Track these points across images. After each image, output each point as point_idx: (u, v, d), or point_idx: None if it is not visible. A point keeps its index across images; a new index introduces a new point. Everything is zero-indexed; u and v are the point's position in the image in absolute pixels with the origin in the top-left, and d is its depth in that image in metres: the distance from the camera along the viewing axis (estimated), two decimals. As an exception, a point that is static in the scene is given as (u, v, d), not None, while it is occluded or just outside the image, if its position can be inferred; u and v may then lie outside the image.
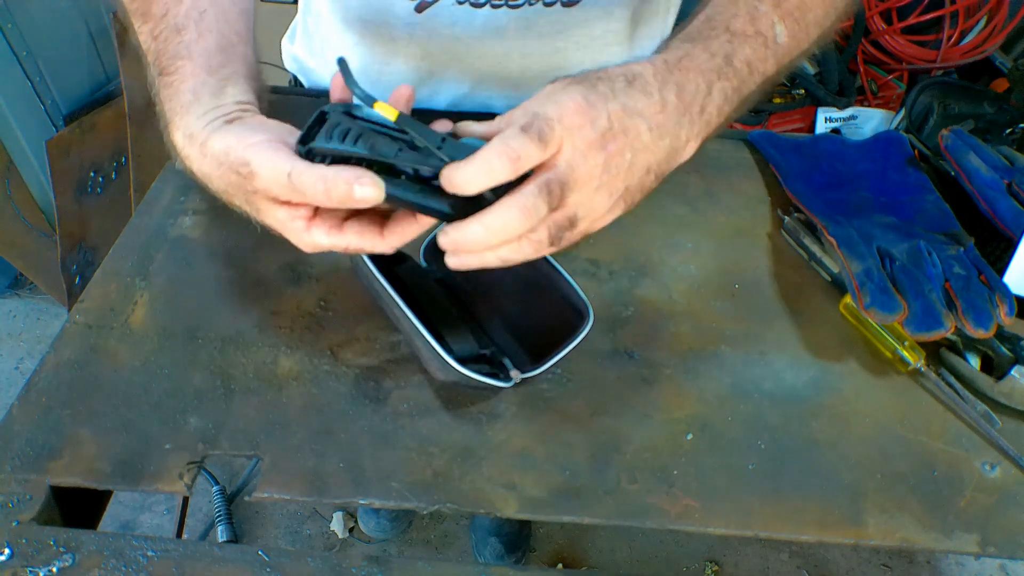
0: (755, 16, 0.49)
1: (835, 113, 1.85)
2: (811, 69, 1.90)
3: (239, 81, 0.48)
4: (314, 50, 0.81)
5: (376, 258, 0.54)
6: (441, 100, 0.78)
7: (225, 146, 0.43)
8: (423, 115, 0.79)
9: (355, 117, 0.44)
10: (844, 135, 1.54)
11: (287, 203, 0.42)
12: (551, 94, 0.41)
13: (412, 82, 0.75)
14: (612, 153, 0.41)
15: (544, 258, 0.57)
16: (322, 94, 0.82)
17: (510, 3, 0.66)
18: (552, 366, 0.54)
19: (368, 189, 0.39)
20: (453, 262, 0.41)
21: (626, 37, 0.73)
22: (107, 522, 0.82)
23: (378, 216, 0.45)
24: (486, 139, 0.41)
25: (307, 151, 0.42)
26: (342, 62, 0.43)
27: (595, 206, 0.42)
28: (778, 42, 0.49)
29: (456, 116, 0.79)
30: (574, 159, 0.40)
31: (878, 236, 0.65)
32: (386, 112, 0.41)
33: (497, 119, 0.43)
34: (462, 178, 0.38)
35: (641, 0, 0.71)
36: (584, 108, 0.40)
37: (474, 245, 0.40)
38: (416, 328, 0.50)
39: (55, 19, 1.38)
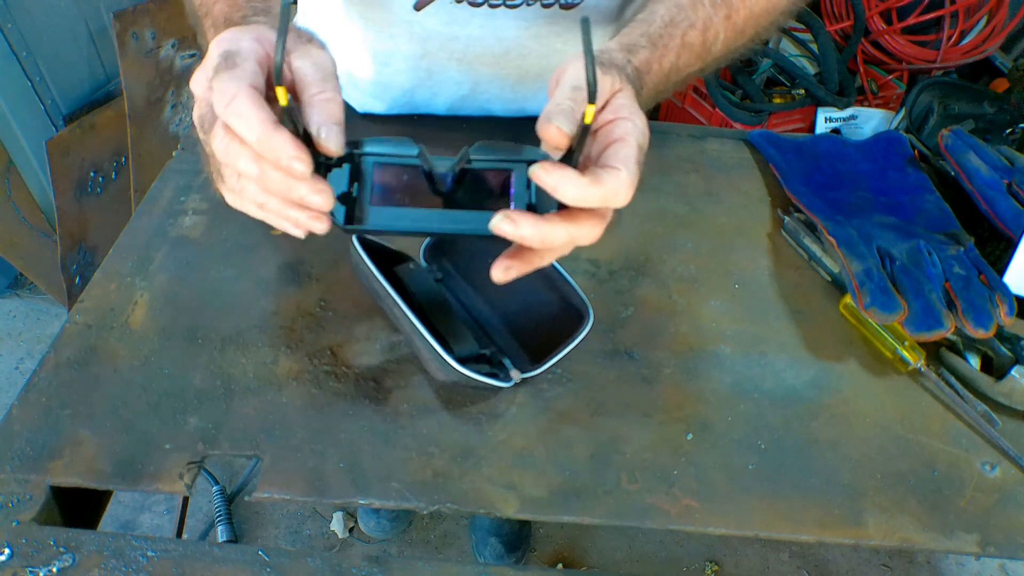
0: (707, 27, 0.52)
1: (835, 113, 1.85)
2: (811, 69, 1.90)
3: None
4: None
5: (376, 258, 0.54)
6: (440, 103, 0.78)
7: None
8: (424, 119, 0.80)
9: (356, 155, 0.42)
10: (844, 135, 1.54)
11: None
12: (643, 128, 0.42)
13: (411, 83, 0.75)
14: None
15: None
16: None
17: (508, 3, 0.66)
18: (552, 366, 0.54)
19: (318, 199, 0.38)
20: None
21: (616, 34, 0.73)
22: (107, 522, 0.82)
23: None
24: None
25: (354, 229, 0.41)
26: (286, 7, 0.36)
27: None
28: (711, 51, 0.53)
29: (455, 120, 0.80)
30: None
31: (878, 236, 0.65)
32: (281, 96, 0.37)
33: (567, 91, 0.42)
34: (597, 192, 0.39)
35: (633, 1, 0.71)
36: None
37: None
38: (416, 328, 0.50)
39: (55, 19, 1.38)
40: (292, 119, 0.38)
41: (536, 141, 0.41)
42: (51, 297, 1.66)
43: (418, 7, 0.67)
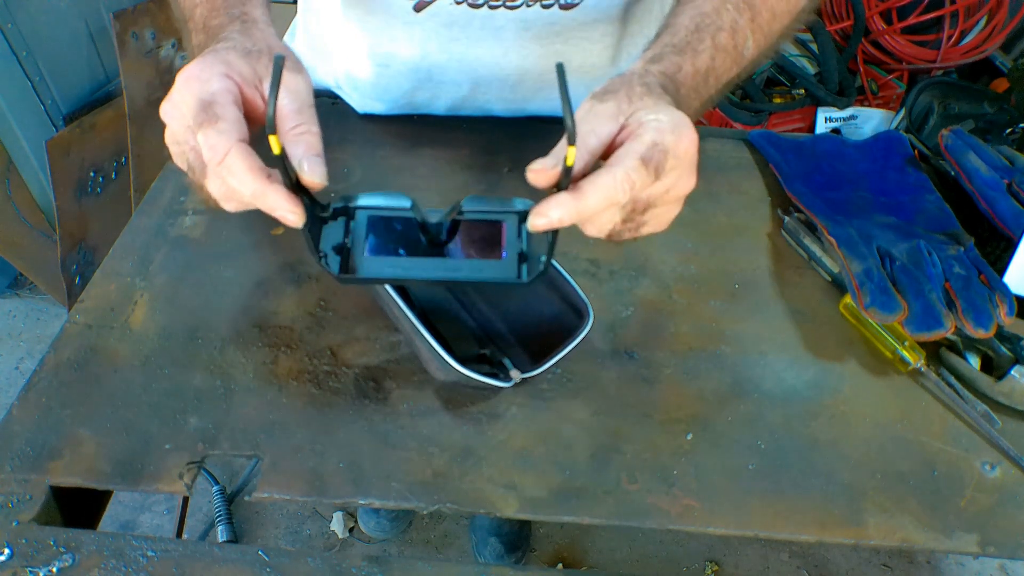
0: (736, 30, 0.52)
1: (835, 113, 1.85)
2: (811, 69, 1.90)
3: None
4: (315, 47, 0.81)
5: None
6: (440, 104, 0.78)
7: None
8: (423, 119, 0.80)
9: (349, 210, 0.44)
10: (844, 135, 1.54)
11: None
12: (670, 122, 0.42)
13: (411, 84, 0.75)
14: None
15: None
16: (322, 93, 0.82)
17: (507, 4, 0.66)
18: (552, 366, 0.54)
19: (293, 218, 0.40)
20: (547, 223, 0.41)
21: (618, 39, 0.73)
22: (107, 522, 0.82)
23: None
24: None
25: (351, 278, 0.43)
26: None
27: (667, 218, 0.46)
28: (744, 55, 0.53)
29: (455, 121, 0.80)
30: (678, 183, 0.43)
31: (878, 236, 0.65)
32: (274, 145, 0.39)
33: (600, 123, 0.43)
34: (584, 204, 0.40)
35: (634, 1, 0.71)
36: (694, 141, 0.42)
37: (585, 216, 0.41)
38: (416, 328, 0.50)
39: (55, 19, 1.38)
40: (284, 161, 0.40)
41: (535, 148, 0.42)
42: (51, 297, 1.66)
43: (418, 8, 0.67)
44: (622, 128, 0.43)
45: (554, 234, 0.41)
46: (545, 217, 0.39)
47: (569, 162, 0.38)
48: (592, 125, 0.43)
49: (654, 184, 0.42)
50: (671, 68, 0.47)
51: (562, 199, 0.40)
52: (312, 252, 0.42)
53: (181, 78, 0.42)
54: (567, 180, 0.39)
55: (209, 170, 0.41)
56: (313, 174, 0.41)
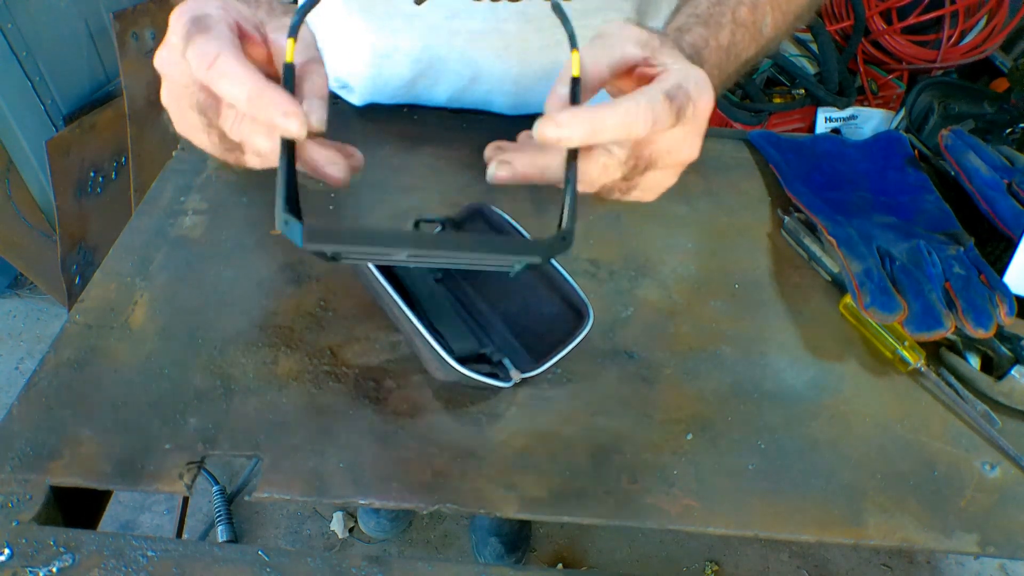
0: (756, 5, 0.51)
1: (835, 113, 1.85)
2: (811, 69, 1.90)
3: None
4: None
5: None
6: (440, 93, 0.78)
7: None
8: (422, 114, 0.79)
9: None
10: (844, 135, 1.55)
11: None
12: (695, 75, 0.39)
13: (412, 74, 0.75)
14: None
15: None
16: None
17: None
18: (552, 366, 0.54)
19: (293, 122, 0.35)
20: (553, 133, 0.36)
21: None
22: (107, 522, 0.82)
23: None
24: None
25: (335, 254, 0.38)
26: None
27: (662, 185, 0.43)
28: (763, 32, 0.52)
29: (455, 117, 0.79)
30: (683, 143, 0.40)
31: (878, 236, 0.65)
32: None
33: (616, 52, 0.40)
34: (600, 122, 0.35)
35: None
36: (711, 105, 0.40)
37: (597, 135, 0.36)
38: (416, 328, 0.50)
39: (55, 19, 1.38)
40: (291, 77, 0.35)
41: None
42: (51, 297, 1.66)
43: (419, 0, 0.67)
44: (645, 61, 0.40)
45: (573, 201, 0.38)
46: (554, 123, 0.35)
47: (575, 71, 0.34)
48: (617, 39, 0.40)
49: (671, 130, 0.38)
50: (699, 41, 0.46)
51: (577, 109, 0.35)
52: (280, 210, 0.36)
53: (174, 15, 0.37)
54: (575, 96, 0.36)
55: (199, 78, 0.36)
56: (311, 115, 0.37)
